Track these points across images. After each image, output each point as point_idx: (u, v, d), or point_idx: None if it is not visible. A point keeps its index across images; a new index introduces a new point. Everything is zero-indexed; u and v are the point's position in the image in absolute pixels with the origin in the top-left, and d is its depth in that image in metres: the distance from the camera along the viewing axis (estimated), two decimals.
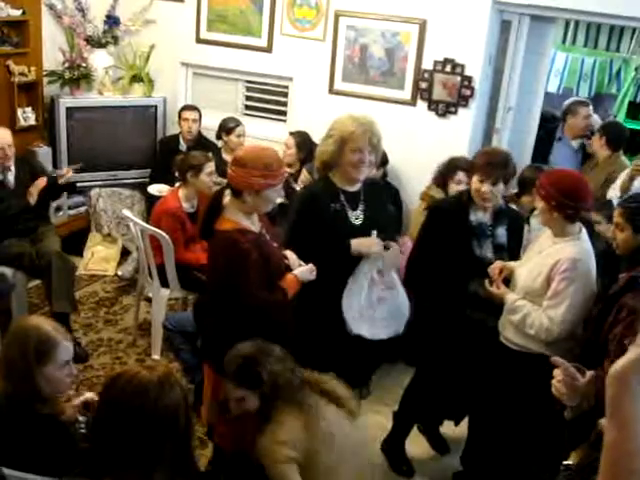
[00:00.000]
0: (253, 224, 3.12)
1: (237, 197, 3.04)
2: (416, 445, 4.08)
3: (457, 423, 4.06)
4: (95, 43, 6.12)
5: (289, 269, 3.21)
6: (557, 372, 2.25)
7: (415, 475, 3.95)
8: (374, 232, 3.44)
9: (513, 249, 3.65)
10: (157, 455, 2.01)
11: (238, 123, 5.75)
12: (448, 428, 4.13)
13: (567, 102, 5.97)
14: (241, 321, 3.06)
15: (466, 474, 3.80)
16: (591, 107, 5.75)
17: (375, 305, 3.51)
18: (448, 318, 3.56)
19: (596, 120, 6.30)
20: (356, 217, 3.51)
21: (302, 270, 3.22)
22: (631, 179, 4.52)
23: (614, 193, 4.58)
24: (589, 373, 2.25)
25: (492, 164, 3.46)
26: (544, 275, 3.14)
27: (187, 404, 2.15)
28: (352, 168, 3.44)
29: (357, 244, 3.42)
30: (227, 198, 3.10)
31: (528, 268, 3.27)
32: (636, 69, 8.93)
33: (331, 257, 3.37)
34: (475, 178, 3.49)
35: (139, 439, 2.00)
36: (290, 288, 3.13)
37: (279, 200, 5.25)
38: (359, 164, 3.43)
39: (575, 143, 5.62)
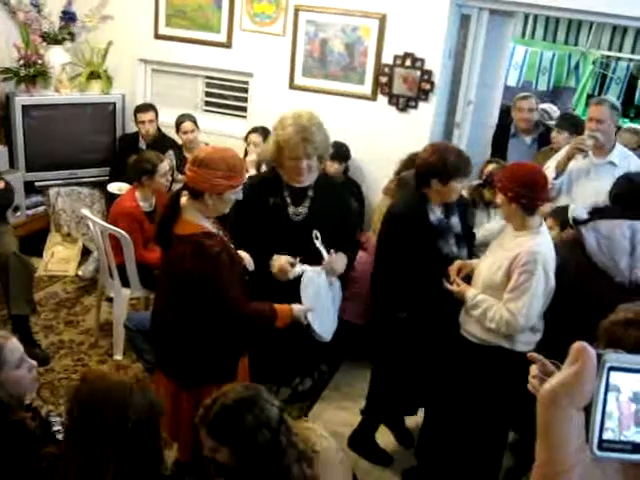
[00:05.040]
0: (212, 227, 3.00)
1: (197, 199, 2.88)
2: (381, 438, 4.08)
3: (414, 412, 4.06)
4: (51, 39, 6.00)
5: (246, 270, 3.12)
6: (533, 368, 2.25)
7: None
8: (297, 259, 3.32)
9: (467, 232, 3.65)
10: (126, 456, 2.02)
11: (183, 120, 5.60)
12: (414, 421, 4.12)
13: None
14: (212, 332, 2.93)
15: (417, 470, 3.81)
16: (530, 101, 5.52)
17: (335, 304, 3.54)
18: (430, 324, 3.49)
19: (549, 112, 6.29)
20: (297, 213, 3.44)
21: (300, 308, 3.13)
22: (569, 158, 4.30)
23: (547, 173, 3.98)
24: None
25: (467, 163, 3.40)
26: (504, 269, 3.15)
27: (158, 408, 2.15)
28: (292, 173, 3.39)
29: (274, 269, 3.33)
30: (184, 199, 2.94)
31: (489, 262, 3.28)
32: (594, 62, 9.07)
33: (264, 260, 3.29)
34: (454, 183, 3.35)
35: (109, 439, 2.01)
36: (281, 318, 3.03)
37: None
38: (297, 170, 3.37)
39: (528, 138, 5.56)
